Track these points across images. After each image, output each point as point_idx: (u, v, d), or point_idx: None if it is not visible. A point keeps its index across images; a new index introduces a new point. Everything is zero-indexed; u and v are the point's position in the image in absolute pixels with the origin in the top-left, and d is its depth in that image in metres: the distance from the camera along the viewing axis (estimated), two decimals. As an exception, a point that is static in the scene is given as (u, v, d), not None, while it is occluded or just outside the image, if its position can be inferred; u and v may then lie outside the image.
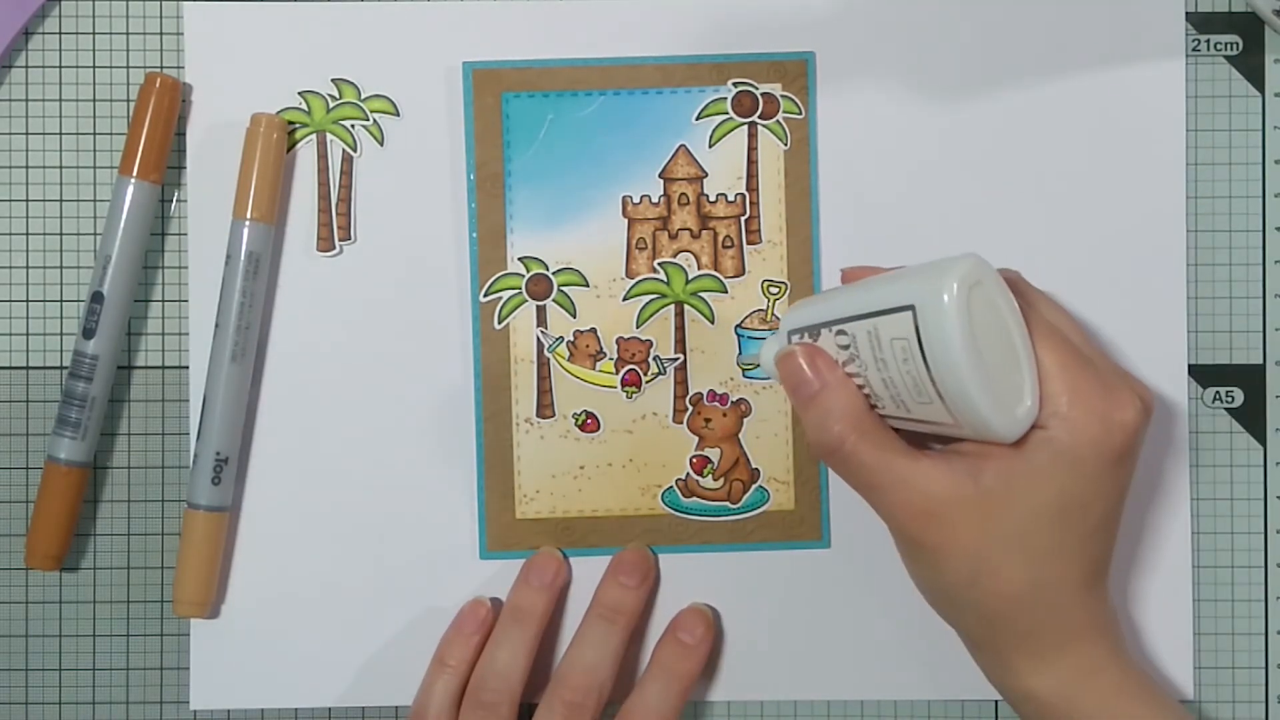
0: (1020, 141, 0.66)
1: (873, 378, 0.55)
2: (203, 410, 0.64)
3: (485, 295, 0.66)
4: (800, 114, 0.66)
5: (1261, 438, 0.67)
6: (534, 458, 0.66)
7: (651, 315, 0.66)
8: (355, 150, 0.66)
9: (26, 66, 0.66)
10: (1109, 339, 0.66)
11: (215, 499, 0.64)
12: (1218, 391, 0.67)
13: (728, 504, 0.66)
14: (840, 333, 0.55)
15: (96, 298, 0.63)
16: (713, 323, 0.66)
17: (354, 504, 0.66)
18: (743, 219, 0.66)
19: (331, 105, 0.66)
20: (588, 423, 0.66)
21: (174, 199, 0.66)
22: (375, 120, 0.66)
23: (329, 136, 0.66)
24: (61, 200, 0.66)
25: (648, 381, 0.66)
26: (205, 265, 0.66)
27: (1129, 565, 0.66)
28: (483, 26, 0.66)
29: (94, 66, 0.66)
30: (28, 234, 0.66)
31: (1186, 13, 0.66)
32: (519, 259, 0.66)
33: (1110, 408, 0.54)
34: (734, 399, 0.66)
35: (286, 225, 0.66)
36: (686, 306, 0.66)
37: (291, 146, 0.66)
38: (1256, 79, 0.67)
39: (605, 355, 0.66)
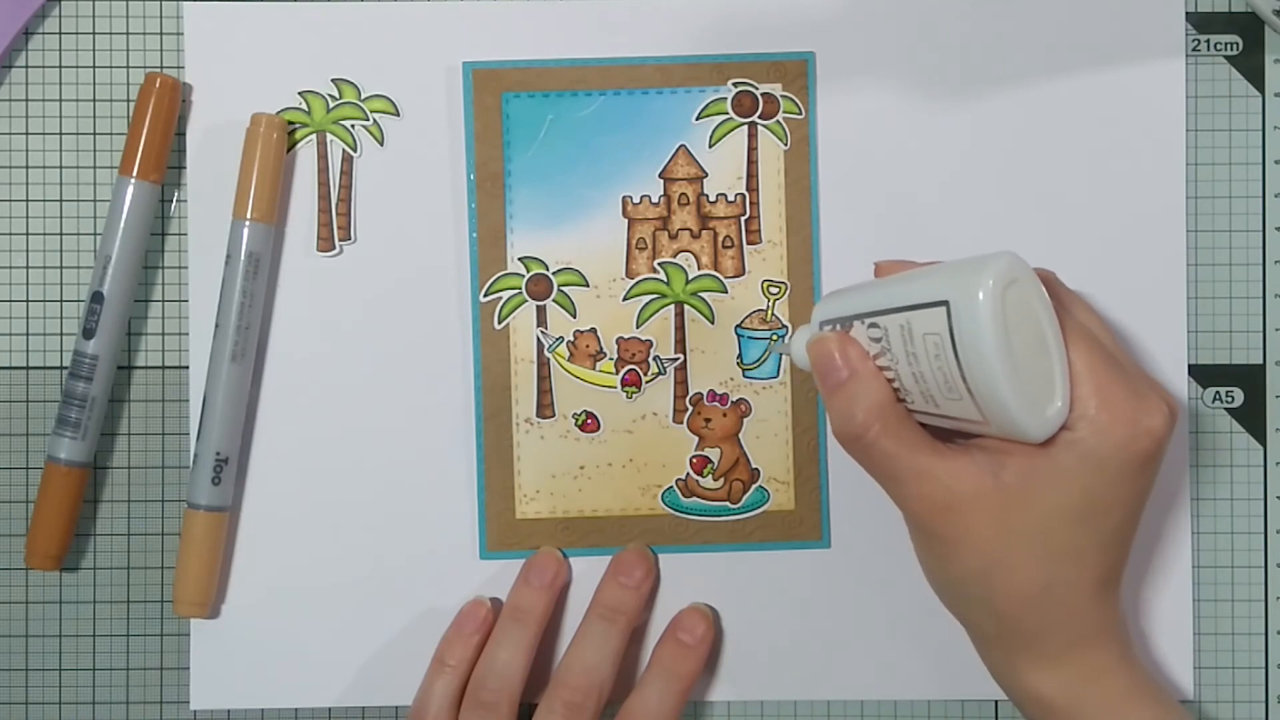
0: (1020, 141, 0.66)
1: (903, 371, 0.54)
2: (203, 410, 0.64)
3: (485, 295, 0.66)
4: (800, 114, 0.66)
5: (1261, 438, 0.67)
6: (534, 458, 0.66)
7: (651, 315, 0.66)
8: (355, 150, 0.66)
9: (26, 66, 0.66)
10: (1109, 339, 0.66)
11: (215, 499, 0.64)
12: (1218, 391, 0.67)
13: (728, 504, 0.66)
14: (873, 325, 0.55)
15: (96, 298, 0.63)
16: (713, 323, 0.66)
17: (354, 504, 0.66)
18: (743, 219, 0.66)
19: (331, 105, 0.66)
20: (588, 423, 0.66)
21: (174, 199, 0.66)
22: (375, 120, 0.66)
23: (329, 136, 0.66)
24: (61, 200, 0.66)
25: (648, 381, 0.66)
26: (205, 265, 0.66)
27: (1129, 565, 0.66)
28: (483, 26, 0.66)
29: (94, 66, 0.66)
30: (28, 234, 0.66)
31: (1186, 13, 0.67)
32: (519, 259, 0.66)
33: (1138, 413, 0.53)
34: (734, 399, 0.66)
35: (286, 225, 0.66)
36: (686, 306, 0.66)
37: (291, 146, 0.66)
38: (1256, 79, 0.67)
39: (605, 355, 0.66)
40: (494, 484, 0.66)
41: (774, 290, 0.66)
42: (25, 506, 0.66)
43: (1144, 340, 0.66)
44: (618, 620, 0.64)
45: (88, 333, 0.64)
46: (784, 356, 0.66)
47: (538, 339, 0.66)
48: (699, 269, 0.66)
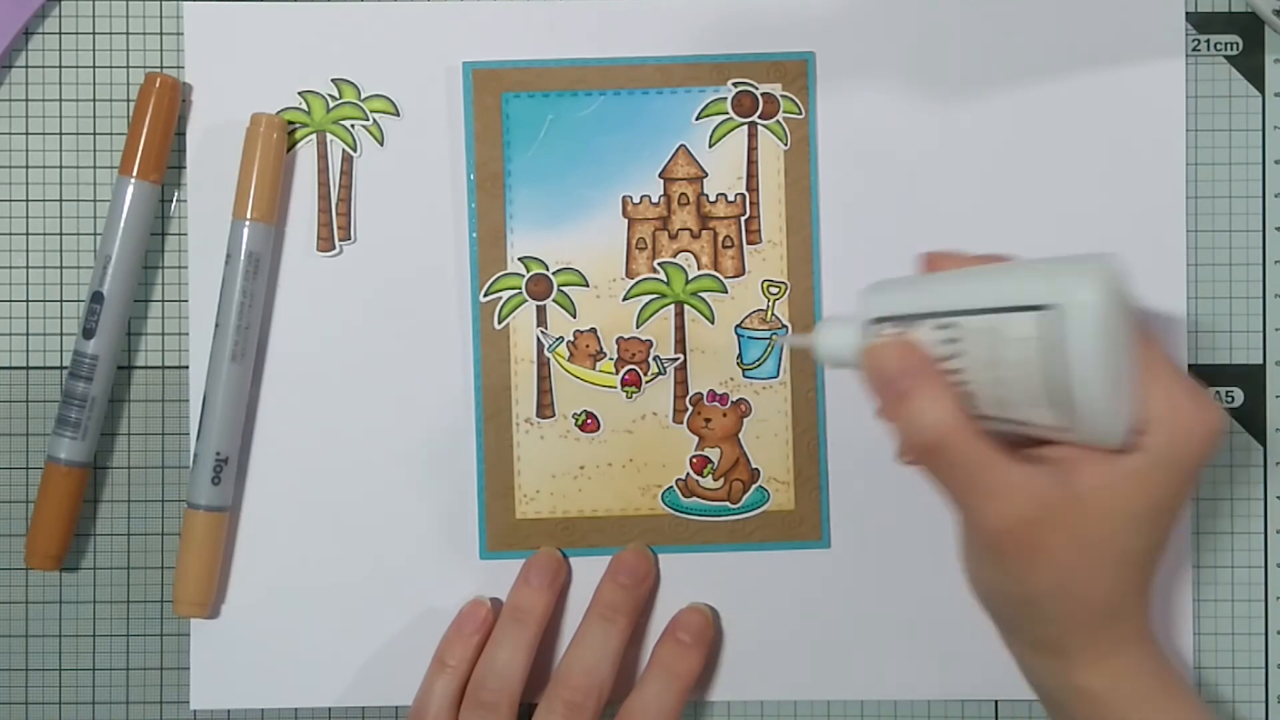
0: (1020, 141, 0.66)
1: (980, 376, 0.53)
2: (203, 410, 0.64)
3: (485, 295, 0.66)
4: (800, 114, 0.66)
5: (1261, 438, 0.67)
6: (534, 458, 0.66)
7: (651, 315, 0.66)
8: (355, 150, 0.66)
9: (26, 66, 0.66)
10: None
11: (215, 499, 0.64)
12: (1218, 391, 0.67)
13: (728, 504, 0.66)
14: (947, 326, 0.53)
15: (96, 298, 0.63)
16: (713, 323, 0.66)
17: (354, 504, 0.66)
18: (743, 219, 0.66)
19: (331, 105, 0.66)
20: (588, 423, 0.66)
21: (174, 199, 0.66)
22: (375, 120, 0.66)
23: (329, 136, 0.66)
24: (61, 200, 0.66)
25: (648, 381, 0.66)
26: (205, 265, 0.66)
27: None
28: (483, 26, 0.66)
29: (94, 66, 0.66)
30: (28, 234, 0.66)
31: (1186, 13, 0.67)
32: (519, 259, 0.66)
33: (1203, 413, 0.53)
34: (734, 399, 0.66)
35: (286, 225, 0.66)
36: (686, 306, 0.66)
37: (291, 146, 0.66)
38: (1256, 79, 0.67)
39: (605, 355, 0.66)
40: (494, 484, 0.66)
41: (774, 290, 0.66)
42: (25, 506, 0.66)
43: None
44: (617, 620, 0.64)
45: (88, 333, 0.64)
46: (784, 356, 0.66)
47: (538, 339, 0.66)
48: (699, 269, 0.66)
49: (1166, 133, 0.66)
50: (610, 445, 0.66)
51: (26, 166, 0.66)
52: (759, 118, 0.66)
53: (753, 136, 0.66)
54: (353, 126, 0.66)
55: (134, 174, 0.64)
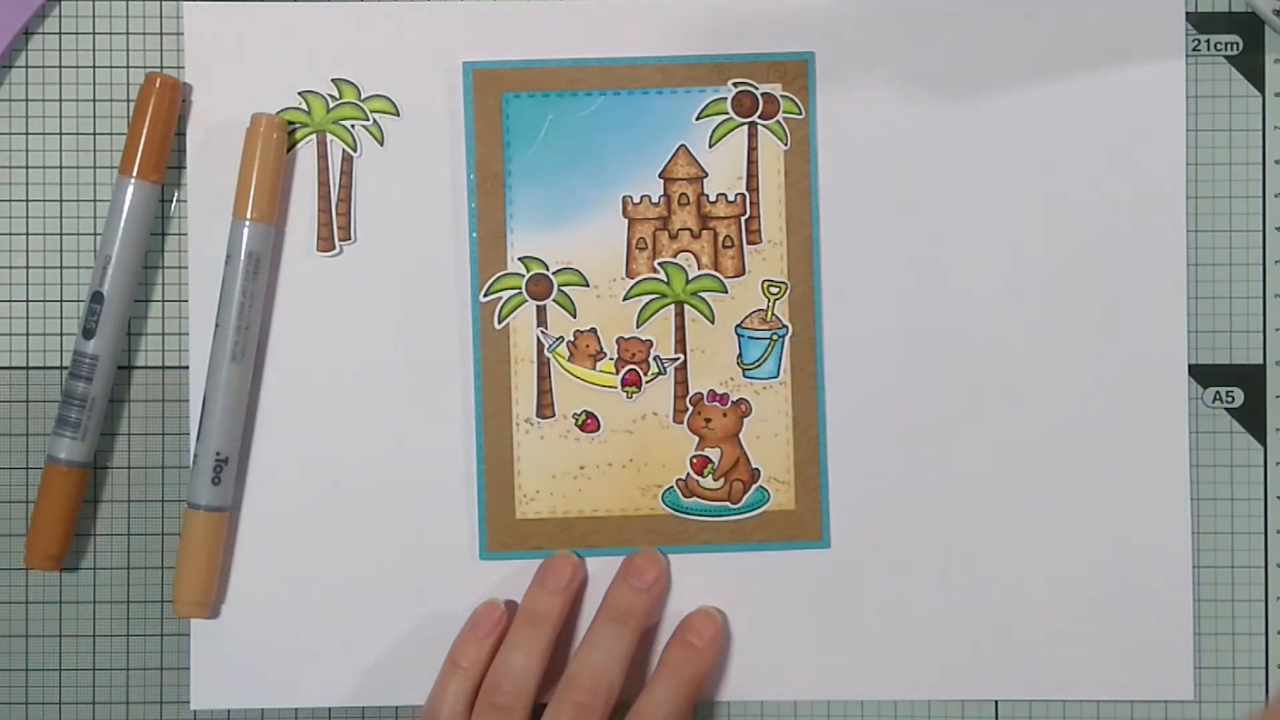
0: (1020, 141, 0.66)
1: None
2: (203, 410, 0.64)
3: (485, 295, 0.66)
4: (800, 114, 0.66)
5: (1261, 438, 0.67)
6: (534, 458, 0.66)
7: (652, 315, 0.66)
8: (355, 150, 0.66)
9: (26, 66, 0.66)
10: (1109, 339, 0.66)
11: (215, 499, 0.64)
12: (1218, 391, 0.67)
13: (728, 504, 0.66)
14: None
15: (96, 298, 0.63)
16: (713, 323, 0.66)
17: (354, 504, 0.66)
18: (743, 219, 0.66)
19: (331, 105, 0.66)
20: (588, 423, 0.66)
21: (174, 199, 0.66)
22: (375, 120, 0.66)
23: (329, 136, 0.66)
24: (61, 200, 0.66)
25: (648, 381, 0.66)
26: (205, 265, 0.66)
27: (1129, 565, 0.66)
28: (483, 26, 0.66)
29: (94, 66, 0.66)
30: (28, 234, 0.66)
31: (1186, 13, 0.66)
32: (519, 259, 0.66)
33: None
34: (734, 399, 0.66)
35: (286, 225, 0.66)
36: (687, 306, 0.66)
37: (291, 146, 0.66)
38: (1256, 79, 0.67)
39: (605, 355, 0.66)
40: (494, 484, 0.66)
41: (774, 290, 0.66)
42: (25, 506, 0.66)
43: (1144, 340, 0.66)
44: (628, 622, 0.64)
45: (88, 333, 0.64)
46: (784, 356, 0.66)
47: (538, 339, 0.66)
48: (699, 269, 0.66)
49: (1166, 133, 0.66)
50: (610, 445, 0.66)
51: (26, 166, 0.66)
52: (759, 118, 0.66)
53: (753, 136, 0.66)
54: (353, 126, 0.66)
55: (134, 174, 0.64)
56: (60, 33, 0.66)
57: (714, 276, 0.66)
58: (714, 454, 0.66)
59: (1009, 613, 0.66)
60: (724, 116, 0.66)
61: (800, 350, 0.66)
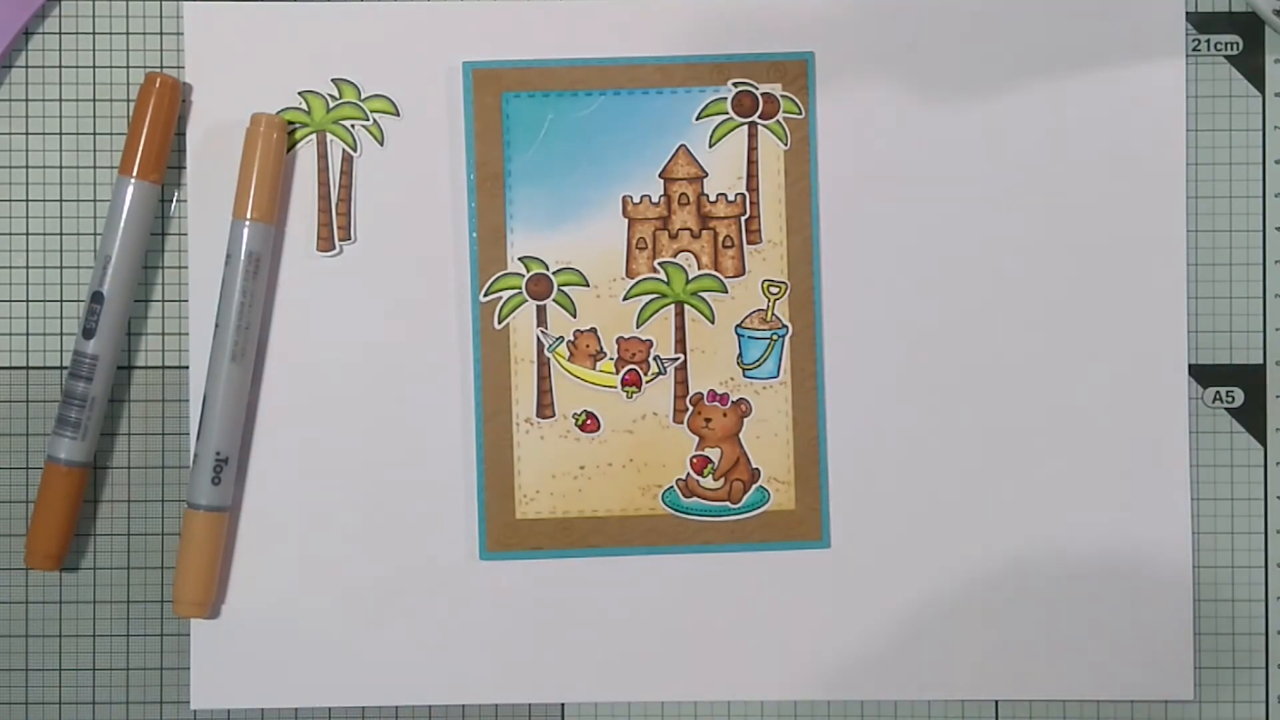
0: (1020, 141, 0.66)
1: None
2: (203, 410, 0.64)
3: (485, 295, 0.66)
4: (800, 114, 0.66)
5: (1261, 438, 0.67)
6: (534, 458, 0.66)
7: (652, 315, 0.66)
8: (355, 150, 0.66)
9: (26, 66, 0.66)
10: (1109, 339, 0.66)
11: (215, 499, 0.64)
12: (1218, 391, 0.67)
13: (728, 504, 0.66)
14: None
15: (96, 298, 0.63)
16: (713, 322, 0.66)
17: (354, 504, 0.66)
18: (743, 219, 0.66)
19: (331, 105, 0.66)
20: (588, 423, 0.66)
21: (174, 199, 0.66)
22: (375, 120, 0.66)
23: (329, 136, 0.66)
24: (61, 200, 0.66)
25: (648, 381, 0.66)
26: (205, 265, 0.66)
27: (1129, 565, 0.66)
28: (483, 26, 0.66)
29: (94, 66, 0.66)
30: (28, 234, 0.66)
31: (1186, 13, 0.67)
32: (519, 259, 0.66)
33: None
34: (734, 399, 0.66)
35: (286, 225, 0.66)
36: (687, 306, 0.66)
37: (291, 146, 0.66)
38: (1256, 79, 0.67)
39: (605, 355, 0.66)
40: (493, 484, 0.66)
41: (774, 290, 0.66)
42: (25, 506, 0.66)
43: (1144, 340, 0.66)
44: None
45: (88, 333, 0.64)
46: (784, 356, 0.66)
47: (538, 339, 0.66)
48: (699, 269, 0.66)
49: (1166, 133, 0.66)
50: (610, 445, 0.66)
51: (26, 166, 0.66)
52: (759, 118, 0.66)
53: (753, 136, 0.66)
54: (353, 126, 0.66)
55: (134, 174, 0.64)
56: (60, 33, 0.66)
57: (714, 276, 0.66)
58: (714, 454, 0.66)
59: (1009, 613, 0.66)
60: (724, 116, 0.66)
61: (800, 350, 0.66)
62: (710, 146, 0.66)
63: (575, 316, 0.66)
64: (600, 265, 0.66)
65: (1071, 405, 0.66)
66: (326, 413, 0.66)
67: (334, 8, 0.66)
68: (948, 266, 0.66)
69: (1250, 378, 0.67)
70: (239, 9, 0.66)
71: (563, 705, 0.67)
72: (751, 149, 0.66)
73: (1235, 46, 0.67)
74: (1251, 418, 0.67)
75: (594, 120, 0.66)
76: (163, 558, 0.67)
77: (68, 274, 0.66)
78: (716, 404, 0.66)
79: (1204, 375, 0.67)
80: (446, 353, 0.66)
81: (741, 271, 0.66)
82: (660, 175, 0.66)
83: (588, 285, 0.66)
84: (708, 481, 0.66)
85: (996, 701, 0.67)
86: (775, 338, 0.66)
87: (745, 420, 0.66)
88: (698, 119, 0.66)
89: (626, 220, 0.66)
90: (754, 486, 0.66)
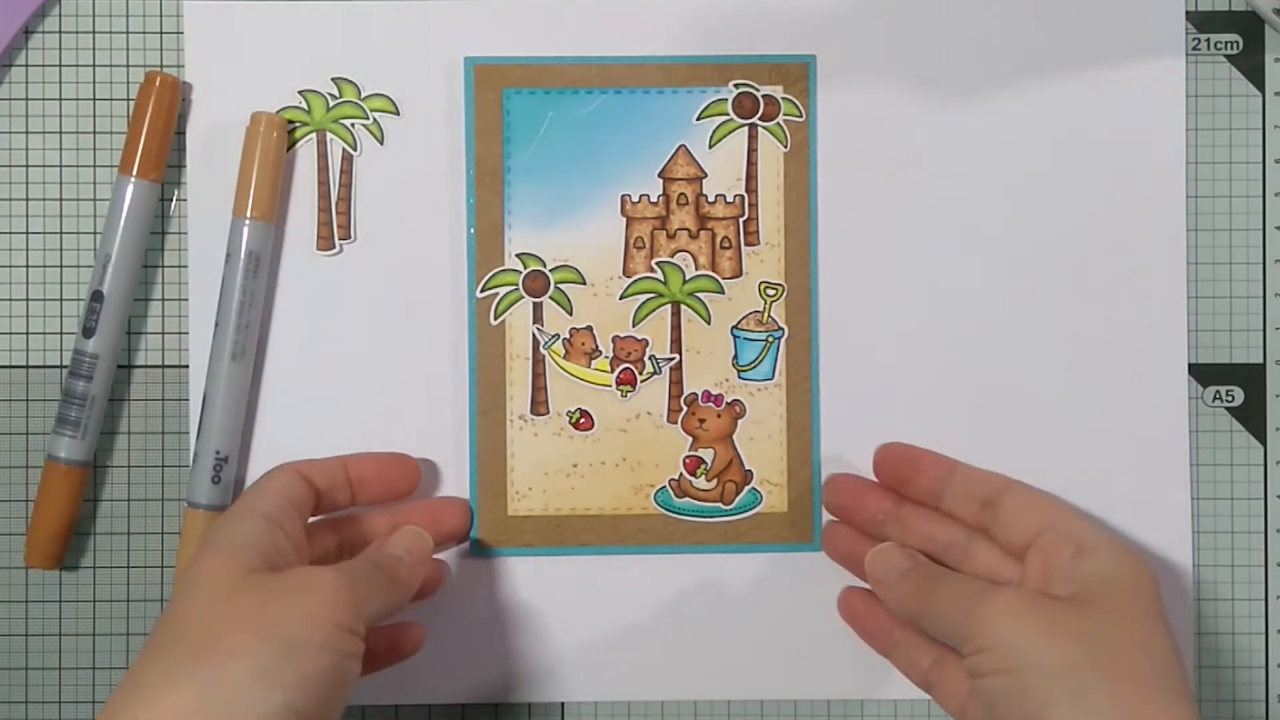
0: (1020, 142, 0.66)
1: None
2: (203, 409, 0.64)
3: (482, 291, 0.66)
4: (801, 117, 0.66)
5: (1261, 437, 0.67)
6: (527, 455, 0.66)
7: (648, 314, 0.66)
8: (355, 149, 0.66)
9: (26, 66, 0.67)
10: (1109, 339, 0.66)
11: (215, 498, 0.64)
12: (1218, 391, 0.67)
13: (720, 505, 0.66)
14: None
15: (96, 297, 0.64)
16: (709, 323, 0.66)
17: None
18: (741, 220, 0.66)
19: (331, 104, 0.66)
20: (582, 420, 0.66)
21: (174, 198, 0.66)
22: (375, 119, 0.66)
23: (329, 135, 0.66)
24: (61, 200, 0.66)
25: (643, 381, 0.66)
26: (205, 264, 0.66)
27: (1129, 566, 0.66)
28: (484, 24, 0.66)
29: (94, 66, 0.66)
30: (28, 234, 0.67)
31: (1186, 12, 0.66)
32: (516, 255, 0.66)
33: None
34: (729, 400, 0.66)
35: (286, 224, 0.66)
36: (683, 306, 0.66)
37: (291, 145, 0.66)
38: (1256, 79, 0.67)
39: (601, 353, 0.66)
40: (486, 480, 0.66)
41: (771, 292, 0.66)
42: (25, 506, 0.67)
43: (1144, 340, 0.66)
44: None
45: (88, 332, 0.64)
46: (779, 358, 0.66)
47: (533, 336, 0.66)
48: (696, 269, 0.66)
49: (1166, 132, 0.66)
50: (604, 444, 0.66)
51: (26, 166, 0.66)
52: (760, 119, 0.66)
53: (753, 138, 0.66)
54: (353, 125, 0.66)
55: (134, 173, 0.64)
56: (60, 32, 0.66)
57: (711, 277, 0.66)
58: (707, 455, 0.66)
59: (1008, 613, 0.66)
60: (724, 117, 0.66)
61: (796, 353, 0.66)
62: (710, 147, 0.66)
63: (571, 314, 0.66)
64: (597, 263, 0.66)
65: (1071, 405, 0.66)
66: (326, 412, 0.66)
67: (334, 7, 0.66)
68: (945, 272, 0.66)
69: (1250, 377, 0.67)
70: (239, 9, 0.66)
71: (562, 705, 0.67)
72: (751, 151, 0.66)
73: (1235, 46, 0.67)
74: (1251, 417, 0.67)
75: (594, 118, 0.66)
76: (163, 557, 0.67)
77: (68, 273, 0.67)
78: (711, 405, 0.66)
79: (1204, 374, 0.67)
80: (443, 348, 0.66)
81: (739, 273, 0.66)
82: (659, 175, 0.66)
83: (585, 283, 0.66)
84: (700, 482, 0.66)
85: (995, 702, 0.67)
86: (771, 340, 0.66)
87: (739, 421, 0.66)
88: (698, 119, 0.66)
89: (625, 219, 0.66)
90: (747, 488, 0.66)
